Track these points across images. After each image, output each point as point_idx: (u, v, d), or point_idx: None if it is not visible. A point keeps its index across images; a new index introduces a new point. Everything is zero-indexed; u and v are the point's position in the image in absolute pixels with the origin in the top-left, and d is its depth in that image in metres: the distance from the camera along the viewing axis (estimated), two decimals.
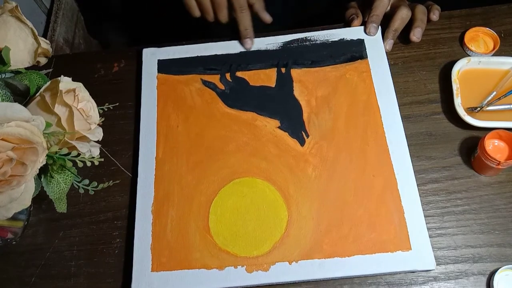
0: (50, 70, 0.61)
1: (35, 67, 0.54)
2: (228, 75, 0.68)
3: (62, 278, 0.57)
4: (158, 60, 0.69)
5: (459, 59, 0.64)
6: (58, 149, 0.45)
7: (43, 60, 0.55)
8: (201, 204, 0.59)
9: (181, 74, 0.68)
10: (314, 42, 0.69)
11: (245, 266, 0.55)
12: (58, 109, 0.45)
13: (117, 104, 0.66)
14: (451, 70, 0.63)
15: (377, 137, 0.61)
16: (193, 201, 0.59)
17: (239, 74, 0.68)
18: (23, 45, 0.50)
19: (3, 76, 0.49)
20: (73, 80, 0.51)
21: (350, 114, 0.63)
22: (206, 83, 0.67)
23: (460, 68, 0.64)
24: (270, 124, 0.64)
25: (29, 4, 0.84)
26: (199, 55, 0.69)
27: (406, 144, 0.61)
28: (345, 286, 0.55)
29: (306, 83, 0.66)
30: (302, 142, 0.62)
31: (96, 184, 0.52)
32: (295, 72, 0.67)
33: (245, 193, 0.59)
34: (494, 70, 0.65)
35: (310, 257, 0.55)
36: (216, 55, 0.69)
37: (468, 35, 0.68)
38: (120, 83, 0.69)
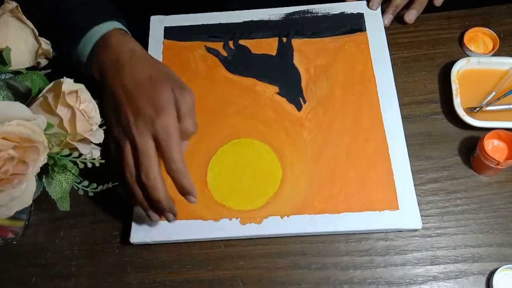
0: (49, 70, 0.61)
1: (35, 68, 0.54)
2: (231, 43, 0.70)
3: (62, 278, 0.57)
4: (165, 27, 0.71)
5: (458, 60, 0.65)
6: (60, 150, 0.45)
7: (43, 61, 0.55)
8: (200, 161, 0.61)
9: (186, 40, 0.70)
10: (315, 14, 0.72)
11: (239, 219, 0.58)
12: (61, 110, 0.46)
13: None
14: (451, 70, 0.64)
15: (371, 105, 0.63)
16: (192, 159, 0.61)
17: (241, 42, 0.70)
18: (23, 46, 0.50)
19: (3, 77, 0.49)
20: (74, 82, 0.51)
21: (347, 83, 0.65)
22: (209, 50, 0.70)
23: (459, 68, 0.64)
24: (270, 90, 0.66)
25: None
26: (204, 23, 0.72)
27: (399, 112, 0.62)
28: (345, 286, 0.55)
29: (306, 52, 0.69)
30: (299, 107, 0.64)
31: (95, 185, 0.51)
32: (296, 42, 0.69)
33: (243, 152, 0.62)
34: (493, 70, 0.65)
35: (301, 213, 0.57)
36: (220, 23, 0.72)
37: (468, 36, 0.69)
38: None
